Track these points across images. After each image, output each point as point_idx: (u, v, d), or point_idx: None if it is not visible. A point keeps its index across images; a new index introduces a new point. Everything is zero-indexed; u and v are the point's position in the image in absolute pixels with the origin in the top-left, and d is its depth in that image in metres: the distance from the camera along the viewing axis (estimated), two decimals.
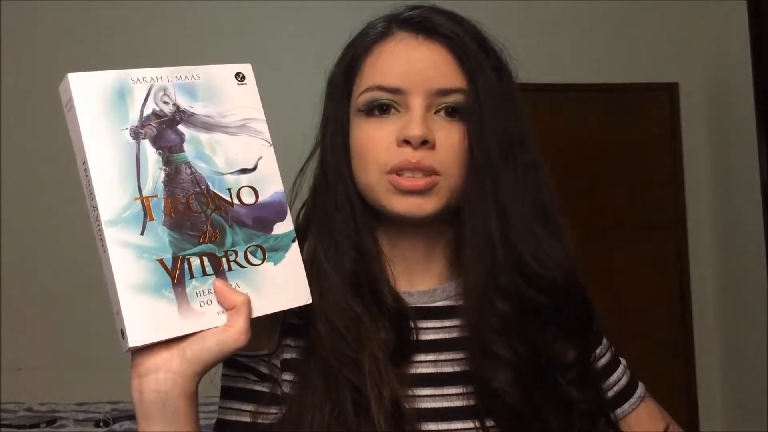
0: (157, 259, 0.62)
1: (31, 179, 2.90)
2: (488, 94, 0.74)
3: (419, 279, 0.80)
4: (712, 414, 3.15)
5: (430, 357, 0.77)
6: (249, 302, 0.64)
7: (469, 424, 0.74)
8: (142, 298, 0.61)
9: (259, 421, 0.74)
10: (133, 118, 0.64)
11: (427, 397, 0.75)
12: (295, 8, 3.09)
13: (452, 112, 0.74)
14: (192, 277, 0.63)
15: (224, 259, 0.65)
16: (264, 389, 0.75)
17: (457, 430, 0.74)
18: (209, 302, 0.64)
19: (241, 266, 0.66)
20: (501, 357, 0.73)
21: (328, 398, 0.71)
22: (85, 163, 0.61)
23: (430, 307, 0.79)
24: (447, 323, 0.79)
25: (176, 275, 0.62)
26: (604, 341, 0.87)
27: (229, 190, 0.67)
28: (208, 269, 0.64)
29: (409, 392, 0.73)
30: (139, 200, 0.62)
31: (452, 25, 0.76)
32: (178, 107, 0.66)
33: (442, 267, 0.81)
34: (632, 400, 0.86)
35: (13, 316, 2.83)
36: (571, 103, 3.18)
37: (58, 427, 2.33)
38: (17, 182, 2.90)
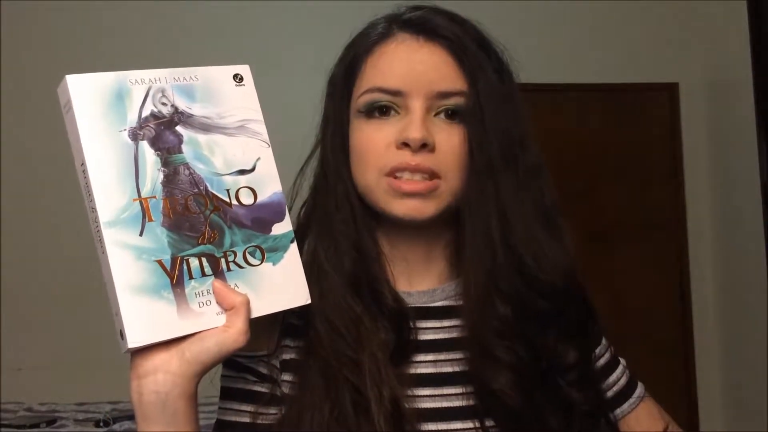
0: (155, 260, 0.62)
1: (31, 179, 2.90)
2: (489, 97, 0.74)
3: (419, 279, 0.80)
4: (712, 414, 3.15)
5: (430, 357, 0.77)
6: (248, 303, 0.64)
7: (469, 424, 0.74)
8: (141, 299, 0.61)
9: (259, 421, 0.74)
10: (132, 119, 0.64)
11: (427, 397, 0.75)
12: (295, 8, 3.09)
13: (452, 114, 0.74)
14: (191, 277, 0.63)
15: (223, 260, 0.65)
16: (263, 390, 0.75)
17: (457, 430, 0.74)
18: (208, 303, 0.64)
19: (240, 267, 0.66)
20: (501, 360, 0.73)
21: (327, 398, 0.71)
22: (83, 164, 0.61)
23: (429, 307, 0.79)
24: (446, 323, 0.79)
25: (175, 276, 0.62)
26: (603, 341, 0.87)
27: (228, 190, 0.67)
28: (207, 270, 0.64)
29: (409, 392, 0.73)
30: (138, 201, 0.62)
31: (453, 27, 0.76)
32: (176, 108, 0.66)
33: (442, 267, 0.81)
34: (631, 400, 0.86)
35: (13, 316, 2.82)
36: (571, 103, 3.18)
37: (58, 427, 2.33)
38: (17, 182, 2.90)
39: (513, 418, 0.73)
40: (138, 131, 0.64)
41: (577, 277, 0.78)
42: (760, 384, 2.73)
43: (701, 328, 3.20)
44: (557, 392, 0.76)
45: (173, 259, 0.63)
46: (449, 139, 0.74)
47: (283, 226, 0.69)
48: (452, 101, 0.74)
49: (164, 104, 0.66)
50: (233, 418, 0.75)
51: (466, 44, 0.75)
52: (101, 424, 2.29)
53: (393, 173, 0.73)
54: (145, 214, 0.62)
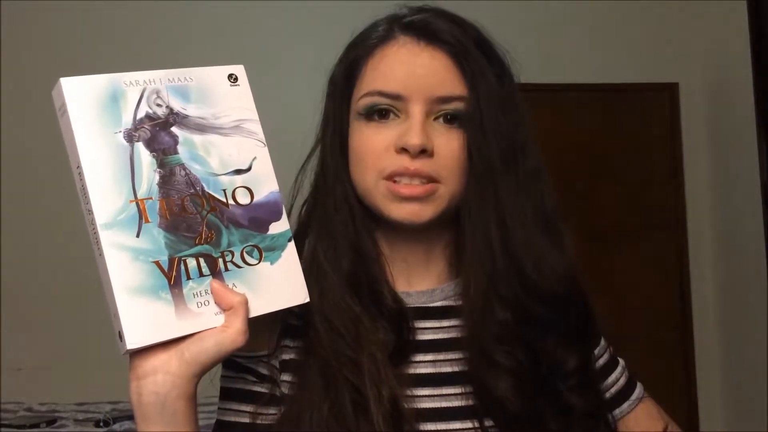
0: (153, 261, 0.62)
1: (31, 179, 2.89)
2: (489, 101, 0.74)
3: (418, 279, 0.80)
4: (712, 414, 3.15)
5: (429, 357, 0.77)
6: (246, 302, 0.64)
7: (468, 424, 0.75)
8: (139, 300, 0.61)
9: (258, 421, 0.74)
10: (127, 121, 0.64)
11: (426, 397, 0.75)
12: (295, 8, 3.08)
13: (451, 118, 0.74)
14: (189, 278, 0.63)
15: (221, 260, 0.65)
16: (263, 390, 0.75)
17: (456, 430, 0.74)
18: (206, 303, 0.64)
19: (238, 266, 0.66)
20: (501, 365, 0.73)
21: (327, 397, 0.71)
22: (79, 167, 0.61)
23: (428, 307, 0.79)
24: (446, 323, 0.79)
25: (173, 277, 0.63)
26: (602, 342, 0.87)
27: (224, 190, 0.67)
28: (205, 270, 0.64)
29: (408, 392, 0.73)
30: (134, 203, 0.62)
31: (455, 30, 0.75)
32: (171, 109, 0.66)
33: (442, 267, 0.81)
34: (631, 401, 0.86)
35: (13, 316, 2.82)
36: (571, 103, 3.18)
37: (58, 427, 2.33)
38: (17, 182, 2.90)
39: (513, 420, 0.73)
40: (133, 133, 0.64)
41: (577, 283, 0.77)
42: (760, 384, 2.72)
43: (701, 328, 3.20)
44: (557, 396, 0.76)
45: (171, 260, 0.63)
46: (448, 144, 0.73)
47: (281, 225, 0.69)
48: (452, 106, 0.74)
49: (159, 105, 0.66)
50: (233, 419, 0.75)
51: (468, 48, 0.75)
52: (101, 424, 2.29)
53: (392, 177, 0.73)
54: (141, 216, 0.62)
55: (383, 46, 0.76)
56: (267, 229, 0.68)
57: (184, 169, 0.65)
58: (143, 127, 0.64)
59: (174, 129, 0.66)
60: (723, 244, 3.19)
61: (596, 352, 0.85)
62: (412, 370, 0.76)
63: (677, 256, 3.22)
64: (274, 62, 2.99)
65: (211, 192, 0.66)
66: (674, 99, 3.26)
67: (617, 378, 0.87)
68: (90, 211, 0.61)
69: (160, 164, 0.64)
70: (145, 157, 0.64)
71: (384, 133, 0.74)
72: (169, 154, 0.65)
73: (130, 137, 0.64)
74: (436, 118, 0.74)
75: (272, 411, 0.74)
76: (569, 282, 0.76)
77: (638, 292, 3.11)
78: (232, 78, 0.70)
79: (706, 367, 3.18)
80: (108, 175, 0.62)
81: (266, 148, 0.70)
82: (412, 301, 0.79)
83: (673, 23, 3.25)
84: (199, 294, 0.63)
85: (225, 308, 0.64)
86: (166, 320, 0.61)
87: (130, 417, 2.27)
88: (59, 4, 2.96)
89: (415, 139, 0.71)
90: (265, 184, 0.69)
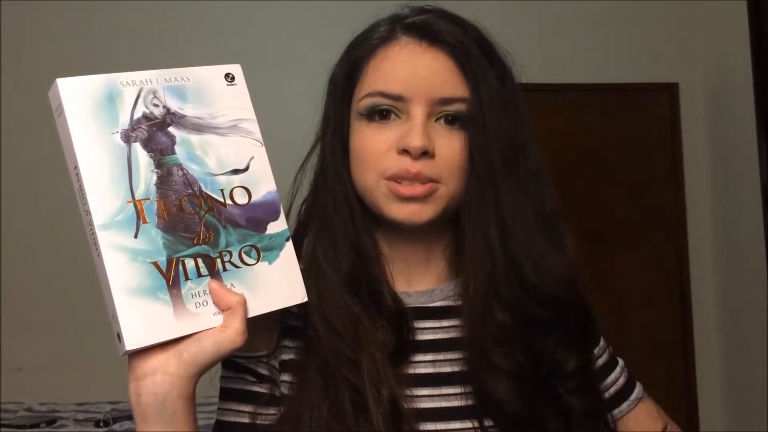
0: (151, 262, 0.62)
1: (31, 179, 2.89)
2: (491, 103, 0.74)
3: (418, 279, 0.80)
4: (712, 414, 3.15)
5: (429, 357, 0.77)
6: (245, 302, 0.64)
7: (468, 424, 0.74)
8: (138, 301, 0.60)
9: (258, 422, 0.74)
10: (124, 121, 0.64)
11: (426, 397, 0.75)
12: (295, 8, 3.08)
13: (452, 120, 0.74)
14: (187, 278, 0.63)
15: (219, 260, 0.65)
16: (262, 390, 0.75)
17: (456, 429, 0.74)
18: (205, 303, 0.64)
19: (236, 266, 0.66)
20: (500, 367, 0.73)
21: (326, 397, 0.71)
22: (76, 168, 0.61)
23: (428, 307, 0.79)
24: (445, 323, 0.79)
25: (171, 277, 0.62)
26: (602, 342, 0.87)
27: (222, 190, 0.67)
28: (203, 270, 0.64)
29: (408, 392, 0.73)
30: (132, 203, 0.62)
31: (457, 32, 0.75)
32: (168, 109, 0.66)
33: (442, 267, 0.81)
34: (630, 401, 0.86)
35: (13, 316, 2.83)
36: (571, 103, 3.18)
37: (58, 427, 2.33)
38: (17, 182, 2.90)
39: (512, 420, 0.73)
40: (130, 133, 0.64)
41: (577, 285, 0.77)
42: (760, 384, 2.72)
43: (701, 328, 3.20)
44: (557, 397, 0.75)
45: (169, 261, 0.63)
46: (449, 145, 0.73)
47: (279, 225, 0.69)
48: (454, 107, 0.74)
49: (156, 105, 0.65)
50: (232, 419, 0.75)
51: (470, 49, 0.74)
52: (101, 424, 2.29)
53: (393, 179, 0.73)
54: (139, 216, 0.62)
55: (385, 46, 0.76)
56: (265, 229, 0.68)
57: (182, 169, 0.65)
58: (140, 127, 0.64)
59: (171, 129, 0.66)
60: (723, 244, 3.19)
61: (595, 352, 0.85)
62: (411, 370, 0.76)
63: (677, 256, 3.22)
64: (274, 62, 2.99)
65: (208, 192, 0.66)
66: (674, 99, 3.26)
67: (616, 378, 0.87)
68: (87, 212, 0.61)
69: (158, 165, 0.64)
70: (142, 157, 0.64)
71: (385, 133, 0.74)
72: (167, 155, 0.65)
73: (127, 138, 0.63)
74: (437, 119, 0.74)
75: (272, 411, 0.74)
76: (569, 284, 0.76)
77: (638, 292, 3.12)
78: (229, 77, 0.70)
79: (706, 367, 3.18)
80: (105, 176, 0.62)
81: (263, 148, 0.70)
82: (411, 301, 0.79)
83: (673, 23, 3.25)
84: (197, 294, 0.63)
85: (223, 308, 0.64)
86: (164, 321, 0.61)
87: (130, 417, 2.25)
88: (59, 4, 2.96)
89: (416, 141, 0.71)
90: (263, 184, 0.69)
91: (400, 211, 0.73)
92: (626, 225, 3.18)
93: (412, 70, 0.74)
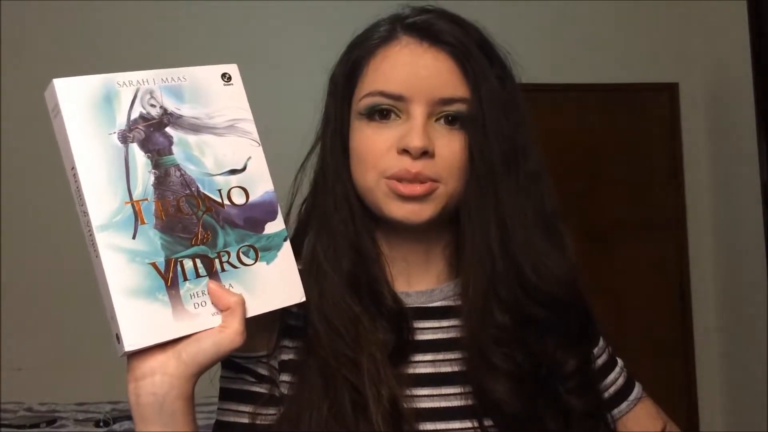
0: (149, 263, 0.62)
1: (31, 179, 2.90)
2: (491, 104, 0.74)
3: (417, 279, 0.80)
4: (712, 414, 3.15)
5: (428, 357, 0.77)
6: (243, 303, 0.64)
7: (468, 424, 0.74)
8: (136, 302, 0.60)
9: (258, 422, 0.74)
10: (121, 122, 0.63)
11: (426, 397, 0.75)
12: (295, 8, 3.09)
13: (452, 120, 0.74)
14: (185, 279, 0.63)
15: (217, 261, 0.65)
16: (262, 390, 0.75)
17: (456, 429, 0.74)
18: (203, 304, 0.63)
19: (234, 267, 0.66)
20: (500, 367, 0.73)
21: (326, 397, 0.71)
22: (73, 168, 0.61)
23: (428, 307, 0.79)
24: (445, 323, 0.79)
25: (169, 278, 0.62)
26: (601, 342, 0.87)
27: (219, 191, 0.67)
28: (201, 271, 0.64)
29: (408, 392, 0.73)
30: (130, 204, 0.62)
31: (457, 32, 0.75)
32: (165, 110, 0.66)
33: (441, 267, 0.81)
34: (629, 401, 0.86)
35: (13, 316, 2.83)
36: (571, 103, 3.19)
37: (58, 427, 2.33)
38: (17, 182, 2.90)
39: (512, 420, 0.73)
40: (127, 134, 0.63)
41: (576, 285, 0.77)
42: (760, 384, 2.72)
43: (701, 328, 3.20)
44: (557, 398, 0.75)
45: (167, 261, 0.62)
46: (449, 145, 0.73)
47: (276, 225, 0.69)
48: (454, 108, 0.74)
49: (153, 106, 0.65)
50: (232, 419, 0.75)
51: (470, 50, 0.74)
52: (101, 424, 2.29)
53: (393, 178, 0.73)
54: (137, 217, 0.62)
55: (385, 46, 0.76)
56: (263, 229, 0.68)
57: (179, 169, 0.65)
58: (137, 127, 0.64)
59: (168, 129, 0.65)
60: (723, 244, 3.19)
61: (595, 352, 0.84)
62: (411, 370, 0.76)
63: (677, 256, 3.23)
64: (274, 62, 2.99)
65: (206, 192, 0.66)
66: (674, 99, 3.26)
67: (616, 378, 0.87)
68: (85, 213, 0.61)
69: (155, 165, 0.64)
70: (139, 158, 0.63)
71: (385, 133, 0.74)
72: (164, 155, 0.65)
73: (125, 138, 0.63)
74: (437, 119, 0.74)
75: (271, 411, 0.74)
76: (569, 284, 0.76)
77: (638, 292, 3.12)
78: (226, 77, 0.70)
79: (706, 367, 3.18)
80: (103, 177, 0.61)
81: (261, 148, 0.70)
82: (411, 301, 0.79)
83: (673, 23, 3.25)
84: (195, 295, 0.63)
85: (222, 309, 0.64)
86: (163, 322, 0.61)
87: (130, 417, 2.25)
88: (59, 4, 2.96)
89: (416, 141, 0.71)
90: (260, 184, 0.69)
91: (400, 210, 0.73)
92: (626, 225, 3.19)
93: (412, 70, 0.74)
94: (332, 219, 0.77)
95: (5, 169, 2.90)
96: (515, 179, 0.75)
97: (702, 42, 3.22)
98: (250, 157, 0.69)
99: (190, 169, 0.66)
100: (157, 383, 0.60)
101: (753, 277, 2.78)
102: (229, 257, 0.66)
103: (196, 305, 0.63)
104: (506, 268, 0.74)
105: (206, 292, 0.64)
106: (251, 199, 0.68)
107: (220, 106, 0.69)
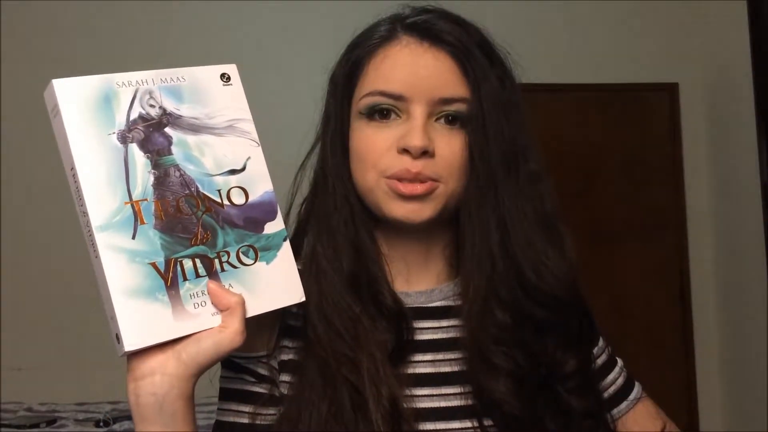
0: (149, 263, 0.62)
1: (31, 179, 2.90)
2: (492, 104, 0.74)
3: (417, 279, 0.80)
4: (712, 414, 3.15)
5: (428, 357, 0.77)
6: (243, 303, 0.64)
7: (467, 424, 0.74)
8: (136, 302, 0.60)
9: (258, 422, 0.74)
10: (120, 122, 0.63)
11: (425, 397, 0.75)
12: (295, 8, 3.09)
13: (453, 120, 0.74)
14: (185, 279, 0.63)
15: (216, 261, 0.65)
16: (262, 390, 0.75)
17: (456, 429, 0.74)
18: (203, 304, 0.63)
19: (234, 267, 0.66)
20: (499, 368, 0.73)
21: (326, 396, 0.71)
22: (73, 169, 0.61)
23: (427, 307, 0.79)
24: (445, 323, 0.79)
25: (169, 278, 0.62)
26: (601, 342, 0.87)
27: (219, 191, 0.67)
28: (201, 271, 0.64)
29: (407, 392, 0.73)
30: (129, 204, 0.62)
31: (458, 32, 0.75)
32: (164, 110, 0.66)
33: (441, 267, 0.81)
34: (629, 400, 0.86)
35: (13, 316, 2.83)
36: (571, 103, 3.19)
37: (58, 427, 2.34)
38: (17, 182, 2.90)
39: (511, 420, 0.73)
40: (127, 134, 0.63)
41: (576, 286, 0.77)
42: (760, 384, 2.73)
43: (701, 328, 3.21)
44: (556, 398, 0.75)
45: (167, 261, 0.62)
46: (449, 145, 0.73)
47: (276, 225, 0.69)
48: (454, 107, 0.74)
49: (152, 106, 0.65)
50: (232, 419, 0.75)
51: (471, 50, 0.74)
52: (101, 424, 2.30)
53: (393, 178, 0.73)
54: (137, 217, 0.62)
55: (386, 45, 0.76)
56: (262, 229, 0.68)
57: (179, 169, 0.65)
58: (137, 128, 0.64)
59: (167, 130, 0.66)
60: (723, 244, 3.19)
61: (595, 351, 0.85)
62: (411, 370, 0.76)
63: (677, 256, 3.23)
64: (274, 62, 2.99)
65: (205, 192, 0.66)
66: (674, 99, 3.26)
67: (615, 378, 0.87)
68: (85, 213, 0.61)
69: (155, 165, 0.64)
70: (139, 158, 0.63)
71: (385, 133, 0.74)
72: (163, 155, 0.65)
73: (124, 138, 0.63)
74: (437, 119, 0.74)
75: (271, 411, 0.74)
76: (569, 284, 0.76)
77: (638, 292, 3.12)
78: (225, 77, 0.70)
79: (706, 367, 3.18)
80: (102, 177, 0.61)
81: (260, 148, 0.70)
82: (411, 301, 0.79)
83: (673, 23, 3.25)
84: (195, 295, 0.63)
85: (222, 309, 0.64)
86: (163, 322, 0.61)
87: (130, 417, 2.25)
88: (59, 4, 2.96)
89: (416, 141, 0.71)
90: (260, 184, 0.69)
91: (400, 210, 0.73)
92: (626, 225, 3.19)
93: (413, 69, 0.74)
94: (332, 219, 0.77)
95: (5, 169, 2.90)
96: (515, 179, 0.75)
97: (702, 42, 3.22)
98: (249, 157, 0.69)
99: (190, 170, 0.66)
100: (157, 383, 0.60)
101: (753, 277, 2.78)
102: (228, 257, 0.66)
103: (196, 305, 0.63)
104: (506, 268, 0.74)
105: (206, 292, 0.64)
106: (251, 199, 0.68)
107: (219, 106, 0.69)
